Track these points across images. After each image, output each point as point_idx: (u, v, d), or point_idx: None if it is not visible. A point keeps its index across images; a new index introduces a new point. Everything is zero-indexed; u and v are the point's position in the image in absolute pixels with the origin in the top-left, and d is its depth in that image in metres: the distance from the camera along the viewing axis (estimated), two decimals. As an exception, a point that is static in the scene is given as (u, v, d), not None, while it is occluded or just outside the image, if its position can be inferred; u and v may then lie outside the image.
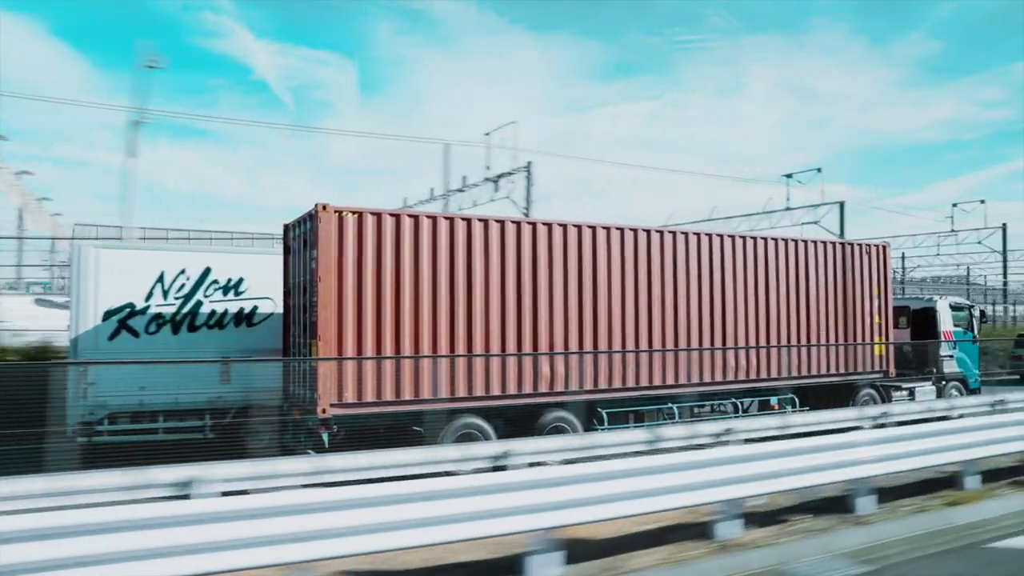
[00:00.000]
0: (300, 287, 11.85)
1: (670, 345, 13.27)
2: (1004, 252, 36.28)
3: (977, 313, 18.65)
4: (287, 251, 12.72)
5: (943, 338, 17.57)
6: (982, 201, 35.67)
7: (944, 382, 17.36)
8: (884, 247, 16.61)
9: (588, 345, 12.46)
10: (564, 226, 12.44)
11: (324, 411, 10.57)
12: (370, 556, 6.27)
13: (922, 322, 17.90)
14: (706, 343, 13.68)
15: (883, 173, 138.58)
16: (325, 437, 10.66)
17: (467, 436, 11.39)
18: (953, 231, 36.58)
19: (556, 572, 6.64)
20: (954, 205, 36.78)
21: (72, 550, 4.85)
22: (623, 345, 12.79)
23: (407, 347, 11.13)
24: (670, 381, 13.18)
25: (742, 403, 14.69)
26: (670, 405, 13.33)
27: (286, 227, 12.66)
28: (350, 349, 10.80)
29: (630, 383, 12.78)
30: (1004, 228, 36.05)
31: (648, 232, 13.24)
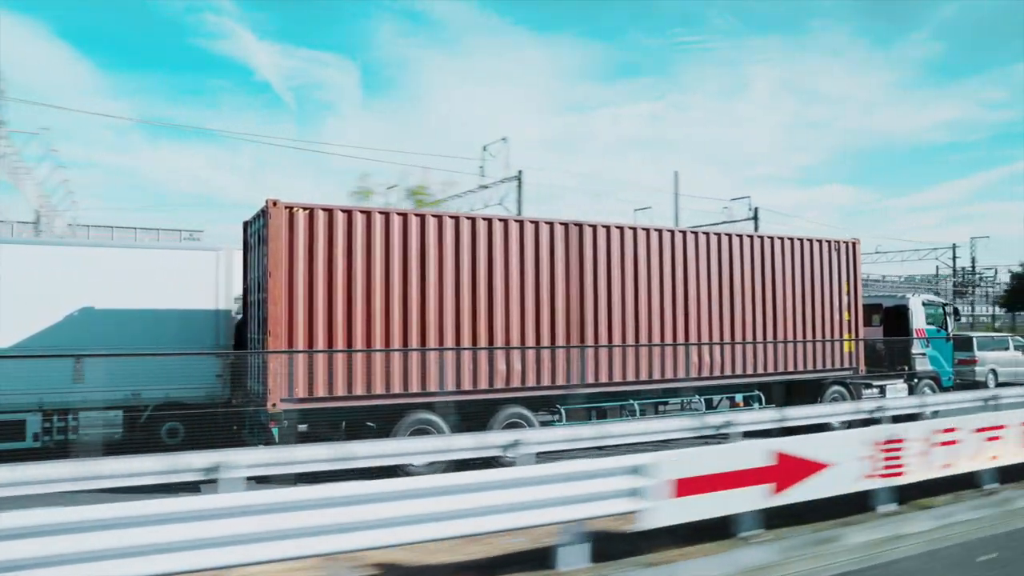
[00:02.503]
0: (255, 283, 11.90)
1: (631, 341, 13.26)
2: (520, 207, 26.13)
3: (951, 311, 18.58)
4: (246, 248, 12.77)
5: (915, 335, 17.53)
6: (503, 139, 27.84)
7: (916, 380, 17.30)
8: (854, 243, 16.57)
9: (545, 341, 12.46)
10: (520, 222, 12.45)
11: (274, 405, 10.59)
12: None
13: (895, 320, 17.85)
14: (668, 339, 13.66)
15: (886, 175, 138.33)
16: (275, 432, 10.68)
17: (421, 432, 11.39)
18: (483, 186, 28.08)
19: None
20: (484, 148, 27.97)
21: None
22: (582, 341, 12.78)
23: (359, 342, 11.15)
24: (630, 378, 13.17)
25: (711, 400, 14.70)
26: (631, 402, 13.31)
27: (245, 224, 12.70)
28: (301, 344, 10.81)
29: (588, 379, 12.77)
30: (519, 176, 26.70)
31: (608, 228, 13.24)
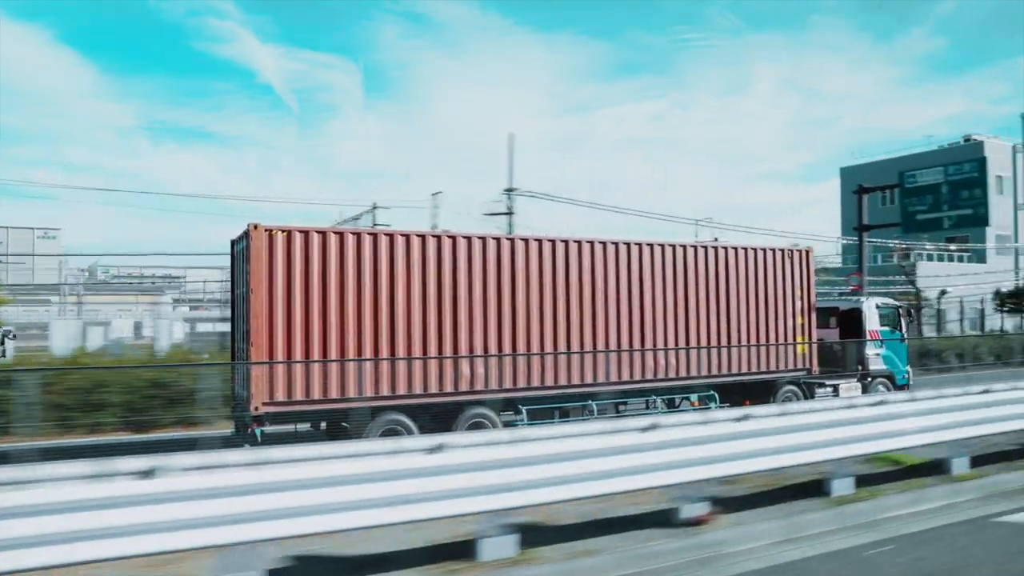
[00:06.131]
0: (240, 297, 13.06)
1: (589, 347, 14.35)
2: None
3: (904, 312, 19.59)
4: (233, 263, 13.94)
5: (869, 337, 18.55)
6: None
7: (870, 379, 18.32)
8: (807, 251, 17.61)
9: (507, 347, 13.57)
10: (484, 239, 13.56)
11: (257, 409, 11.76)
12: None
13: (850, 322, 18.88)
14: (625, 345, 14.75)
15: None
16: (259, 433, 11.84)
17: (391, 431, 12.53)
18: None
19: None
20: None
21: None
22: (542, 347, 13.89)
23: (334, 350, 12.30)
24: (588, 380, 14.26)
25: (673, 400, 15.79)
26: (590, 402, 14.40)
27: (232, 242, 13.87)
28: (280, 353, 11.97)
29: (548, 382, 13.88)
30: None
31: (566, 242, 14.32)
